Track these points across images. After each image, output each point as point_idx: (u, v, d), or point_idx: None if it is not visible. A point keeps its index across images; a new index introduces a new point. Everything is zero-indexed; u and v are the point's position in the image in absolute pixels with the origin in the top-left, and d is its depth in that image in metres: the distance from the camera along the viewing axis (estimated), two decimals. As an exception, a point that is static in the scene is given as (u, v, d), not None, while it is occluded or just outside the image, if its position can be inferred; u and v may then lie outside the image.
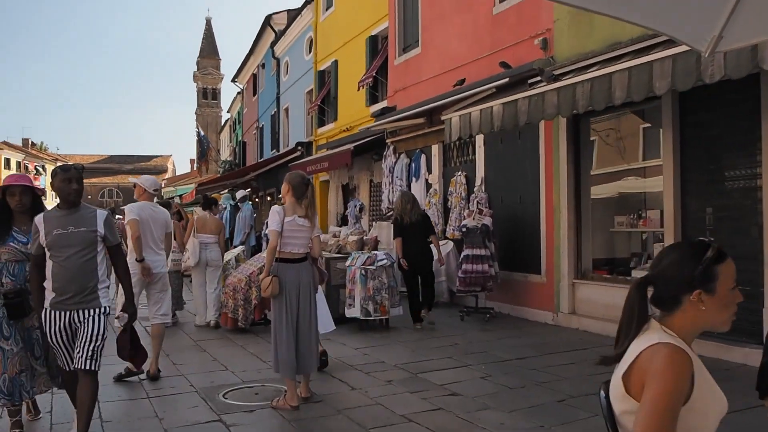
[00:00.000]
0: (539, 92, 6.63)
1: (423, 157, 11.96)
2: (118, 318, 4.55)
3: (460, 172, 10.84)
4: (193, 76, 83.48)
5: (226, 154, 40.93)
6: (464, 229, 8.96)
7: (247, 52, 28.71)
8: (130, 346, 4.60)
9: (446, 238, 10.97)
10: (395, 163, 12.80)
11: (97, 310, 3.99)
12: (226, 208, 14.11)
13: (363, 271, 8.19)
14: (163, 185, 69.19)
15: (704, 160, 6.97)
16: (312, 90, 19.37)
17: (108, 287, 4.17)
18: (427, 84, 11.86)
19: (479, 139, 10.33)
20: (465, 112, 7.99)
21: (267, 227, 5.34)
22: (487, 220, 8.95)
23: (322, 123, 18.56)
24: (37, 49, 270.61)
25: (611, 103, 5.77)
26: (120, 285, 4.67)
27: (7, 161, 57.51)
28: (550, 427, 4.53)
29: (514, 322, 8.94)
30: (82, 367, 3.88)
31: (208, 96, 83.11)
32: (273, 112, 24.48)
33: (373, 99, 15.15)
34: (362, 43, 15.60)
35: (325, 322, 6.14)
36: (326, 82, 18.29)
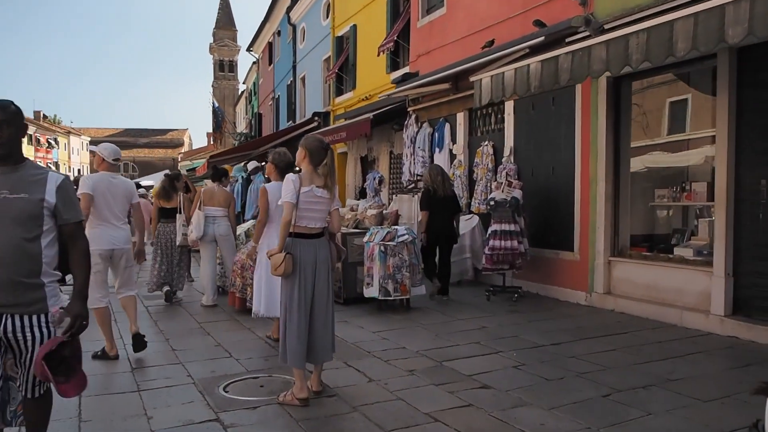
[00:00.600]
0: (585, 46, 5.84)
1: (447, 126, 11.22)
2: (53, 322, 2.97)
3: (486, 142, 10.10)
4: (209, 48, 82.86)
5: (242, 126, 40.30)
6: (492, 203, 8.25)
7: (263, 18, 27.89)
8: (63, 364, 2.93)
9: (471, 212, 10.29)
10: (417, 132, 12.07)
11: (42, 319, 2.91)
12: (237, 180, 13.49)
13: (382, 248, 7.54)
14: (179, 159, 68.72)
15: (764, 127, 6.20)
16: (329, 57, 18.60)
17: (59, 282, 3.07)
18: (452, 47, 11.08)
19: (508, 106, 9.57)
20: (497, 71, 7.23)
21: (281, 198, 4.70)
22: (517, 193, 8.24)
23: (340, 92, 17.81)
24: (51, 22, 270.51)
25: (672, 57, 4.99)
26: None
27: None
28: (597, 430, 3.88)
29: (544, 302, 8.27)
30: (29, 396, 2.99)
31: (225, 68, 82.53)
32: (289, 82, 23.74)
33: (393, 65, 14.37)
34: (383, 6, 14.78)
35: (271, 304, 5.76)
36: (344, 48, 17.51)
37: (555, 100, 8.60)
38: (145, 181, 31.04)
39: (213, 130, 31.08)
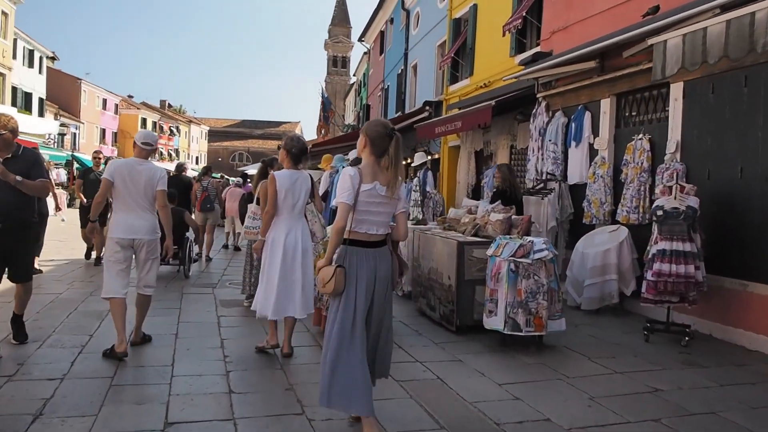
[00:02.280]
0: None
1: (587, 116, 9.21)
2: None
3: (641, 135, 8.04)
4: (324, 44, 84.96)
5: (350, 119, 39.33)
6: (659, 213, 6.24)
7: (375, 7, 26.56)
8: None
9: (616, 222, 8.27)
10: (547, 123, 10.12)
11: None
12: (337, 171, 12.02)
13: (512, 266, 5.74)
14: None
15: None
16: (445, 42, 16.86)
17: None
18: (598, 19, 9.06)
19: (676, 89, 7.47)
20: (695, 27, 5.22)
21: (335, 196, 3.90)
22: (693, 201, 6.21)
23: (454, 79, 16.04)
24: (181, 19, 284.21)
25: None
26: None
27: (144, 121, 59.45)
28: None
29: (727, 351, 6.16)
30: None
31: (338, 64, 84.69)
32: (400, 71, 22.21)
33: (519, 47, 12.44)
34: (509, -20, 12.88)
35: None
36: (462, 31, 15.72)
37: (749, 80, 6.46)
38: (251, 170, 30.74)
39: (320, 120, 30.06)
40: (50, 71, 41.47)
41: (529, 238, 6.05)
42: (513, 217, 6.82)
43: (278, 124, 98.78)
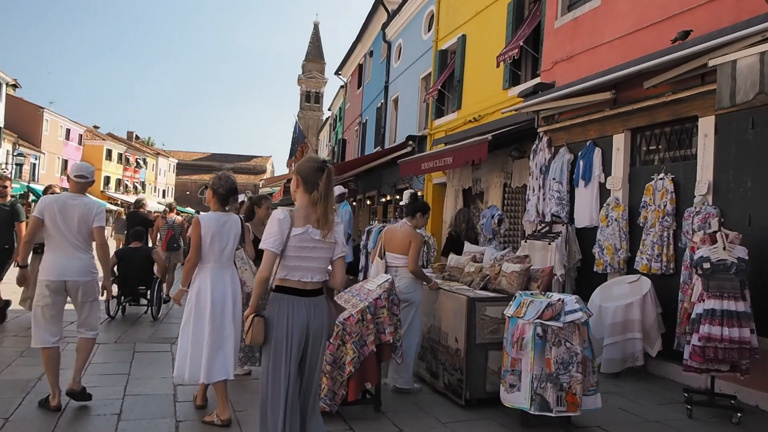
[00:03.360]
0: None
1: (597, 152, 8.33)
2: None
3: (662, 175, 7.17)
4: (297, 79, 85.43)
5: (324, 154, 38.39)
6: (706, 266, 5.29)
7: (354, 39, 25.88)
8: None
9: (634, 270, 7.35)
10: (550, 159, 9.24)
11: None
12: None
13: (540, 330, 4.72)
14: (261, 185, 68.90)
15: None
16: (430, 74, 16.06)
17: None
18: (609, 48, 8.26)
19: (706, 123, 6.64)
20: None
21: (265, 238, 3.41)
22: (741, 251, 5.31)
23: (440, 113, 15.19)
24: (150, 50, 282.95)
25: None
26: None
27: (109, 152, 57.82)
28: None
29: (786, 429, 5.20)
30: None
31: (311, 99, 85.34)
32: (379, 104, 21.37)
33: (514, 79, 11.63)
34: (502, 10, 12.14)
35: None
36: (449, 63, 14.94)
37: (800, 113, 5.64)
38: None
39: (289, 156, 29.02)
40: (10, 99, 39.95)
41: (557, 296, 5.05)
42: (531, 267, 5.81)
43: (249, 158, 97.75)
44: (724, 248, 5.28)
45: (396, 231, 6.04)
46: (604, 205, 8.03)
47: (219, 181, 4.87)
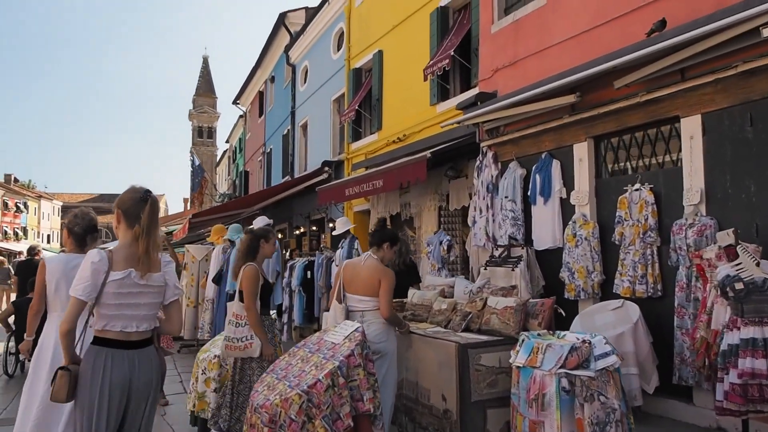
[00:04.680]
0: None
1: (555, 165, 7.47)
2: None
3: (639, 185, 6.37)
4: (188, 114, 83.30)
5: (224, 188, 36.42)
6: (739, 287, 4.40)
7: (252, 66, 24.51)
8: None
9: (614, 294, 6.46)
10: (497, 176, 8.32)
11: None
12: (232, 243, 9.56)
13: (566, 383, 3.61)
14: (153, 225, 65.74)
15: None
16: (343, 95, 14.99)
17: None
18: (561, 49, 7.48)
19: (689, 124, 5.90)
20: None
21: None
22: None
23: (357, 136, 14.12)
24: (26, 86, 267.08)
25: None
26: None
27: (-17, 197, 52.88)
28: None
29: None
30: None
31: (204, 134, 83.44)
32: (285, 131, 20.06)
33: (442, 93, 10.74)
34: (423, 21, 11.30)
35: None
36: (364, 82, 13.93)
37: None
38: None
39: (191, 190, 27.07)
40: None
41: (574, 335, 3.97)
42: (530, 300, 4.73)
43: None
44: (758, 264, 4.41)
45: (359, 267, 4.80)
46: (570, 223, 7.14)
47: (75, 219, 4.33)
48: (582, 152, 7.18)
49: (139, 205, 3.08)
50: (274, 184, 21.20)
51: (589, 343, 3.75)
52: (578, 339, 3.82)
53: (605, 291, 6.78)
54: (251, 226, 7.40)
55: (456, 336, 4.54)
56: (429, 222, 10.69)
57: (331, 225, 14.66)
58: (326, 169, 14.67)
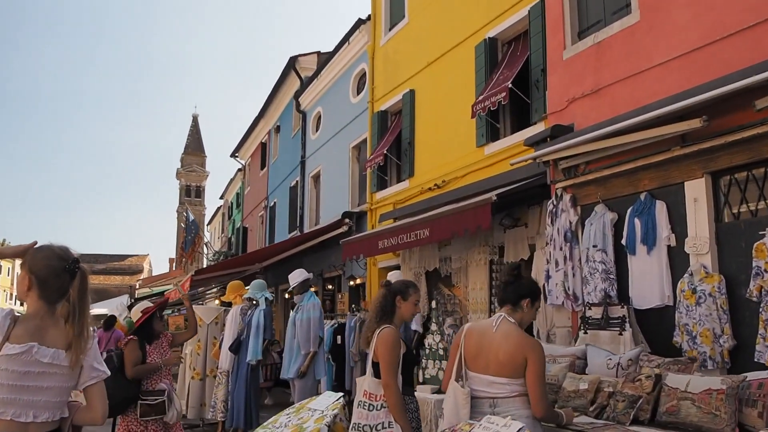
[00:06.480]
0: None
1: (660, 207, 6.24)
2: None
3: (783, 229, 5.13)
4: (176, 173, 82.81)
5: (217, 246, 34.90)
6: None
7: (255, 117, 23.52)
8: None
9: (761, 366, 5.11)
10: (577, 223, 7.09)
11: None
12: (253, 304, 8.14)
13: None
14: (137, 286, 63.80)
15: None
16: (365, 141, 13.86)
17: None
18: (663, 72, 6.37)
19: None
20: None
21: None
22: None
23: (383, 184, 12.91)
24: (5, 147, 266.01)
25: None
26: None
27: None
28: None
29: None
30: None
31: (192, 193, 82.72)
32: (293, 183, 18.85)
33: (492, 133, 9.61)
34: (467, 55, 10.27)
35: None
36: (390, 125, 12.84)
37: None
38: (96, 309, 25.49)
39: (184, 248, 25.60)
40: None
41: None
42: (744, 382, 3.39)
43: (124, 257, 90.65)
44: None
45: (488, 335, 3.45)
46: (685, 276, 5.86)
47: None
48: (697, 191, 5.96)
49: (62, 277, 2.63)
50: (278, 239, 19.85)
51: None
52: None
53: (736, 359, 5.45)
54: (394, 274, 6.14)
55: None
56: (478, 278, 9.36)
57: (351, 282, 13.33)
58: (347, 221, 13.38)
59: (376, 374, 3.67)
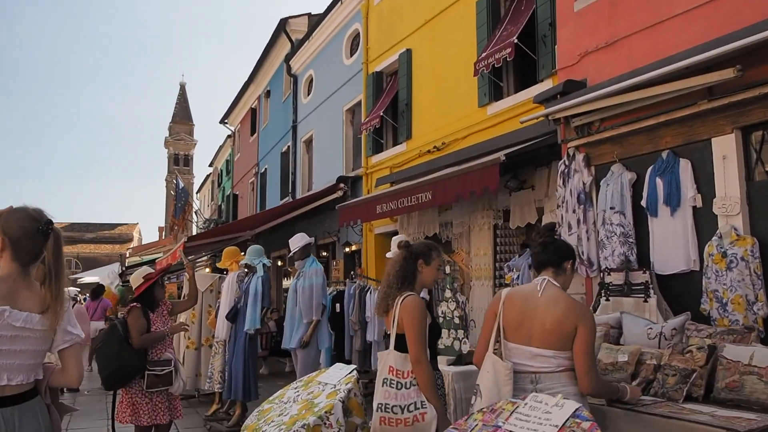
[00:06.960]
0: None
1: (685, 166, 5.84)
2: None
3: (825, 187, 4.75)
4: (164, 141, 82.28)
5: (207, 214, 34.38)
6: None
7: (244, 82, 22.84)
8: None
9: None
10: (590, 183, 6.70)
11: None
12: (254, 272, 7.73)
13: None
14: (128, 254, 63.49)
15: None
16: (359, 104, 13.35)
17: None
18: (688, 19, 5.91)
19: None
20: None
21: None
22: None
23: (378, 148, 12.44)
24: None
25: None
26: None
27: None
28: None
29: None
30: None
31: (180, 162, 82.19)
32: (284, 148, 18.33)
33: (496, 92, 9.14)
34: (467, 12, 9.74)
35: None
36: (386, 87, 12.32)
37: None
38: (87, 278, 25.08)
39: (174, 216, 25.10)
40: None
41: None
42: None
43: (113, 226, 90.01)
44: None
45: (533, 300, 3.07)
46: (714, 239, 5.49)
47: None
48: (727, 148, 5.55)
49: (36, 238, 2.58)
50: (269, 206, 19.38)
51: None
52: None
53: (769, 328, 5.12)
54: (399, 239, 5.71)
55: (694, 412, 2.81)
56: (481, 244, 8.99)
57: (347, 249, 12.95)
58: (342, 185, 12.93)
59: (400, 347, 3.29)
